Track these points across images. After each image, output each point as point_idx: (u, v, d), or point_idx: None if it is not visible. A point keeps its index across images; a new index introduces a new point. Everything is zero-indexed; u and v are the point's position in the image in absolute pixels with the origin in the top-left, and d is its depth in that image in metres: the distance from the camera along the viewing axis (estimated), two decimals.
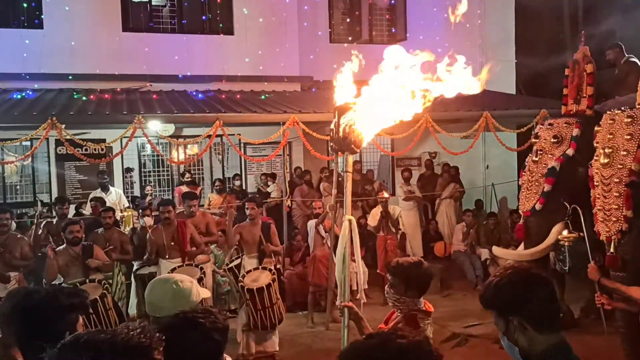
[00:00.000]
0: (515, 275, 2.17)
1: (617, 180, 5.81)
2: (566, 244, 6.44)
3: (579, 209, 6.20)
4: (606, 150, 5.91)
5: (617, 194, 5.78)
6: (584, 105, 6.96)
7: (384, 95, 3.54)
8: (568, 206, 6.44)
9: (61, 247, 6.98)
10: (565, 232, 6.45)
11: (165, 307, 2.65)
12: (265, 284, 6.67)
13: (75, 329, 2.19)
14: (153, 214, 9.01)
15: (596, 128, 6.15)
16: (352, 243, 3.59)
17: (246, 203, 8.12)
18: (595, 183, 6.02)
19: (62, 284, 6.68)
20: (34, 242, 7.99)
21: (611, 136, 5.96)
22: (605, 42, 8.93)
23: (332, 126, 3.61)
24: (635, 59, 8.01)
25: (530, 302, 2.07)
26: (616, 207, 5.78)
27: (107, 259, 7.19)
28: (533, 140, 7.35)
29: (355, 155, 14.72)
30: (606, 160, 5.90)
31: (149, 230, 7.93)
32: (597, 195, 5.99)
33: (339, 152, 3.63)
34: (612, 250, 5.75)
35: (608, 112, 6.15)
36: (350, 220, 3.60)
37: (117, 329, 1.61)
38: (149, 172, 12.69)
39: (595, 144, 6.11)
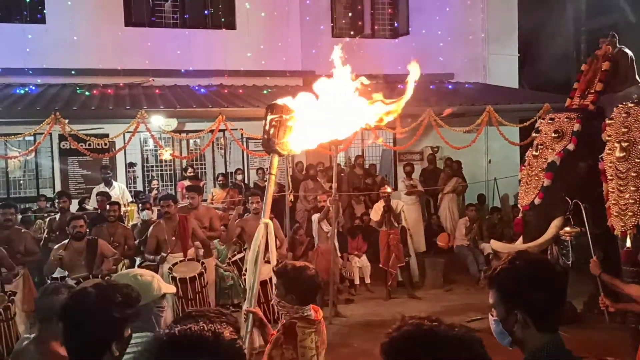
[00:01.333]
0: (535, 264, 2.07)
1: (635, 174, 5.78)
2: (567, 238, 6.45)
3: (580, 203, 6.20)
4: (622, 144, 5.88)
5: (634, 188, 5.75)
6: (589, 100, 6.96)
7: (321, 111, 3.38)
8: (570, 201, 6.44)
9: (65, 241, 7.00)
10: (567, 228, 6.45)
11: None
12: (268, 277, 6.66)
13: (123, 338, 2.18)
14: (155, 208, 9.05)
15: (607, 121, 6.13)
16: (267, 247, 3.50)
17: (250, 197, 8.11)
18: (609, 177, 6.00)
19: (66, 278, 6.72)
20: (40, 238, 8.06)
21: (626, 130, 5.94)
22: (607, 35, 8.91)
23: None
24: (627, 50, 7.97)
25: (541, 297, 2.00)
26: (632, 201, 5.75)
27: (113, 250, 7.24)
28: (534, 134, 7.36)
29: (358, 150, 14.71)
30: (622, 154, 5.88)
31: (151, 225, 7.95)
32: (610, 190, 5.96)
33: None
34: (628, 245, 5.71)
35: (620, 106, 6.14)
36: (266, 224, 3.49)
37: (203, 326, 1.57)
38: (152, 166, 12.71)
39: (606, 138, 6.08)
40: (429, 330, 1.52)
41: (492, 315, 2.11)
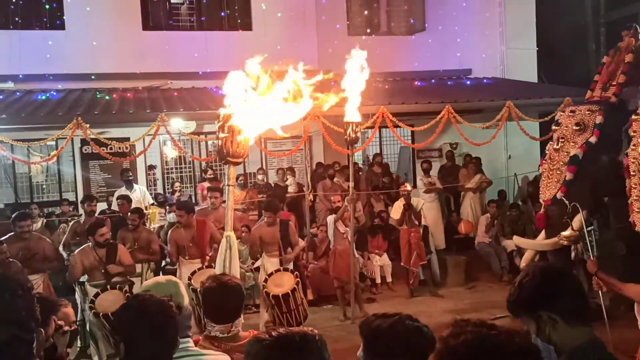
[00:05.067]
0: (538, 272, 2.16)
1: None
2: (566, 243, 6.37)
3: (578, 206, 6.12)
4: None
5: None
6: (611, 93, 6.86)
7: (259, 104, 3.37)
8: (590, 195, 6.35)
9: (86, 245, 6.95)
10: (566, 232, 6.37)
11: None
12: (290, 288, 6.54)
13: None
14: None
15: (633, 117, 6.03)
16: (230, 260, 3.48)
17: (263, 212, 8.01)
18: (631, 172, 5.91)
19: (85, 283, 6.79)
20: (64, 242, 8.11)
21: None
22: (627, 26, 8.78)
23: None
24: None
25: (557, 297, 2.07)
26: None
27: (131, 260, 7.13)
28: (554, 127, 7.26)
29: (376, 148, 14.66)
30: None
31: (170, 230, 7.96)
32: (633, 185, 5.88)
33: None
34: None
35: None
36: (228, 237, 3.45)
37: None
38: (172, 169, 12.81)
39: (632, 134, 5.99)
40: (490, 341, 1.49)
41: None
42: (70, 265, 6.87)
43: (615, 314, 7.34)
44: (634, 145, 5.95)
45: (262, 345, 1.80)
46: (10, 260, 6.51)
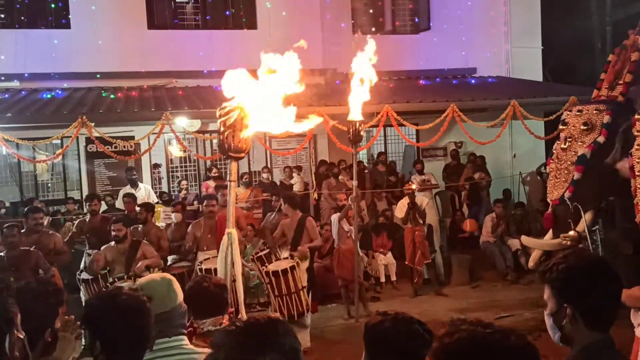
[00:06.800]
0: (588, 262, 2.07)
1: None
2: (568, 243, 6.36)
3: (580, 207, 6.09)
4: None
5: None
6: (617, 92, 6.82)
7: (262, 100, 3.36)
8: (598, 195, 6.33)
9: (111, 243, 7.30)
10: (570, 232, 6.36)
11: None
12: (288, 266, 6.74)
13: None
14: (189, 208, 9.15)
15: (636, 116, 6.00)
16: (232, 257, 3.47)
17: (282, 204, 8.06)
18: (637, 173, 5.88)
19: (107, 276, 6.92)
20: (69, 240, 8.21)
21: None
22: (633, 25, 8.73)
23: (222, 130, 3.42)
24: None
25: (592, 295, 1.98)
26: None
27: (156, 253, 7.44)
28: (560, 126, 7.23)
29: (381, 146, 14.63)
30: None
31: (191, 223, 8.17)
32: (638, 186, 5.85)
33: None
34: None
35: None
36: (229, 234, 3.44)
37: None
38: (176, 167, 12.82)
39: (636, 133, 5.96)
40: (484, 339, 1.47)
41: (546, 310, 2.13)
42: (92, 260, 7.19)
43: (623, 314, 7.33)
44: (638, 145, 5.92)
45: (229, 334, 1.77)
46: (31, 249, 6.63)
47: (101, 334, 2.18)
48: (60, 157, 9.92)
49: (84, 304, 7.02)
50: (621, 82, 6.83)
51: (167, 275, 2.94)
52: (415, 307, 8.39)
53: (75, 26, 11.79)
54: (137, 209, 8.44)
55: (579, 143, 6.69)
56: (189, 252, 7.96)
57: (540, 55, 14.12)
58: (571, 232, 6.37)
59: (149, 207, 8.49)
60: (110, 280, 6.91)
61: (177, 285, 2.82)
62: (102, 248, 7.34)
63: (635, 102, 6.56)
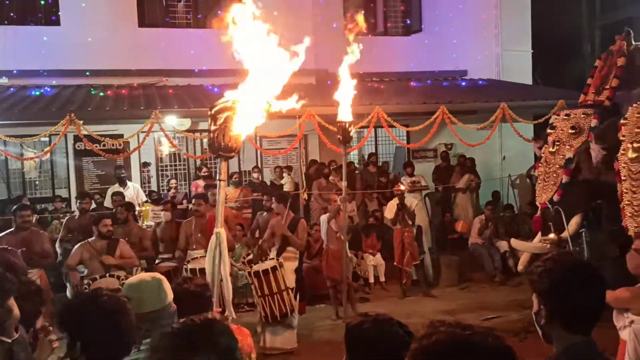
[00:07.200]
0: (567, 265, 2.04)
1: None
2: (548, 245, 6.42)
3: (561, 210, 6.14)
4: (635, 145, 5.81)
5: None
6: (604, 96, 6.89)
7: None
8: (586, 198, 6.39)
9: (90, 239, 7.11)
10: (551, 235, 6.42)
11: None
12: (270, 266, 6.71)
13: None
14: (178, 207, 9.12)
15: (622, 121, 6.06)
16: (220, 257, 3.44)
17: (274, 203, 8.03)
18: (622, 177, 5.93)
19: (84, 277, 6.79)
20: (58, 239, 8.12)
21: (639, 130, 5.87)
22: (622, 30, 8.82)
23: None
24: None
25: (568, 298, 1.97)
26: None
27: (132, 254, 7.26)
28: (549, 130, 7.29)
29: (371, 148, 14.63)
30: (635, 155, 5.81)
31: (182, 223, 8.15)
32: (624, 190, 5.90)
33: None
34: None
35: (635, 105, 6.06)
36: (218, 233, 3.40)
37: None
38: (166, 166, 12.77)
39: (621, 138, 6.01)
40: (463, 340, 1.47)
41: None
42: (70, 256, 7.06)
43: (607, 316, 7.38)
44: (624, 149, 5.98)
45: (164, 336, 1.75)
46: (9, 248, 6.52)
47: (82, 335, 2.16)
48: (48, 154, 9.86)
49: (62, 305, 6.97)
50: (608, 87, 6.90)
51: (158, 275, 2.92)
52: (404, 308, 8.41)
53: (65, 23, 11.70)
54: (118, 208, 8.30)
55: (567, 147, 6.75)
56: (184, 251, 7.88)
57: (531, 58, 14.21)
58: (551, 235, 6.43)
59: (129, 207, 8.41)
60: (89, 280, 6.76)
61: (167, 285, 2.81)
62: (78, 245, 7.15)
63: (621, 107, 6.63)
